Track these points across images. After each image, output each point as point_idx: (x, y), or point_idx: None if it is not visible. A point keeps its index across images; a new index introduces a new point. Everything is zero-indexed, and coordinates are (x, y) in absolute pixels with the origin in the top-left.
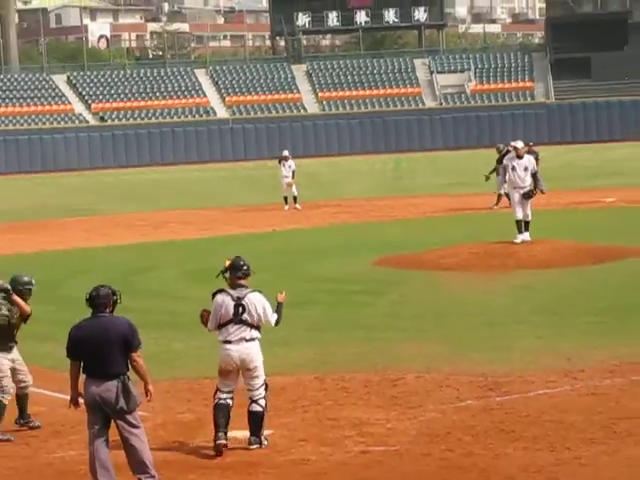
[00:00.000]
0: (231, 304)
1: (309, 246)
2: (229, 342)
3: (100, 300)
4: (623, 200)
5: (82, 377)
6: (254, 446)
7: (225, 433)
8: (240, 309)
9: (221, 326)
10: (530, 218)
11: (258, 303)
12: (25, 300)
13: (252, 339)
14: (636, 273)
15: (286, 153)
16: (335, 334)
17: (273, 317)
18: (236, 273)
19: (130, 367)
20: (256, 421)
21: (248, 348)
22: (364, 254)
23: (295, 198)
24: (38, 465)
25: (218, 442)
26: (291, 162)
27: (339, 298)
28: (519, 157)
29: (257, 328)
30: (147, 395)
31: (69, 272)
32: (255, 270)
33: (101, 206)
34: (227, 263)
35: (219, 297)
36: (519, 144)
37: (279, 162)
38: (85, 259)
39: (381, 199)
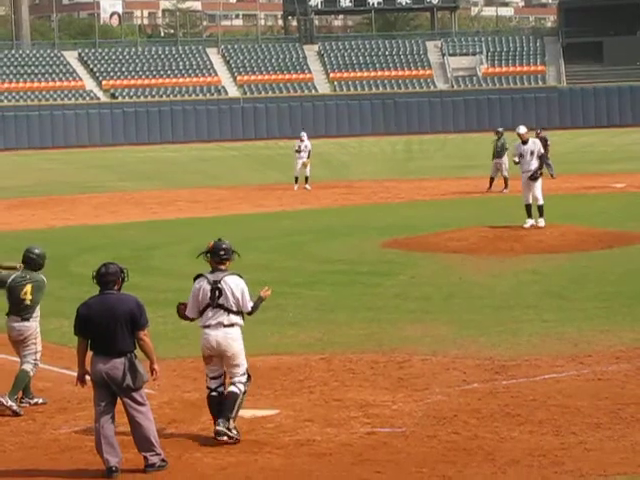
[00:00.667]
0: (207, 288)
1: (318, 227)
2: (208, 327)
3: (108, 277)
4: (633, 185)
5: (89, 354)
6: (222, 436)
7: (225, 419)
8: (217, 293)
9: (201, 312)
10: (541, 202)
11: (235, 287)
12: (37, 270)
13: (231, 324)
14: None
15: (303, 133)
16: (343, 315)
17: (249, 304)
18: (214, 257)
19: (137, 345)
20: (229, 402)
21: (226, 334)
22: (373, 235)
23: (307, 178)
24: (44, 441)
25: (217, 428)
26: (308, 142)
27: (347, 279)
28: (524, 142)
29: (237, 313)
30: (153, 374)
31: (78, 249)
32: (264, 250)
33: (111, 183)
34: (210, 244)
35: (197, 282)
36: (522, 129)
37: (301, 141)
38: (94, 236)
39: (391, 181)
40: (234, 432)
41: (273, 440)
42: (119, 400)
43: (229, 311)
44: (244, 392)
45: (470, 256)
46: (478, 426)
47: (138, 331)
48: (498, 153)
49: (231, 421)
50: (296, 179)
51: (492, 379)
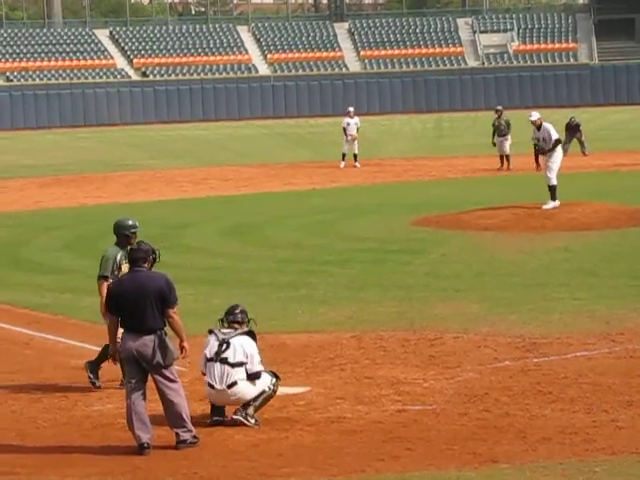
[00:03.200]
0: (215, 344)
1: (348, 205)
2: (212, 387)
3: (139, 254)
4: None
5: (120, 332)
6: (237, 416)
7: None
8: (223, 347)
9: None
10: (551, 183)
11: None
12: (131, 244)
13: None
14: None
15: (351, 109)
16: (374, 293)
17: (258, 366)
18: (228, 317)
19: (166, 323)
20: (258, 395)
21: (234, 394)
22: (403, 213)
23: (355, 156)
24: (76, 417)
25: (234, 416)
26: (356, 118)
27: (378, 257)
28: (537, 128)
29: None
30: (182, 352)
31: (109, 227)
32: (294, 228)
33: (142, 161)
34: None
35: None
36: (533, 117)
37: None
38: (125, 214)
39: (421, 159)
40: (252, 421)
41: (304, 417)
42: (150, 377)
43: (233, 365)
44: (273, 391)
45: (501, 234)
46: (509, 404)
47: (167, 309)
48: (502, 131)
49: (251, 409)
50: (343, 156)
51: (523, 357)
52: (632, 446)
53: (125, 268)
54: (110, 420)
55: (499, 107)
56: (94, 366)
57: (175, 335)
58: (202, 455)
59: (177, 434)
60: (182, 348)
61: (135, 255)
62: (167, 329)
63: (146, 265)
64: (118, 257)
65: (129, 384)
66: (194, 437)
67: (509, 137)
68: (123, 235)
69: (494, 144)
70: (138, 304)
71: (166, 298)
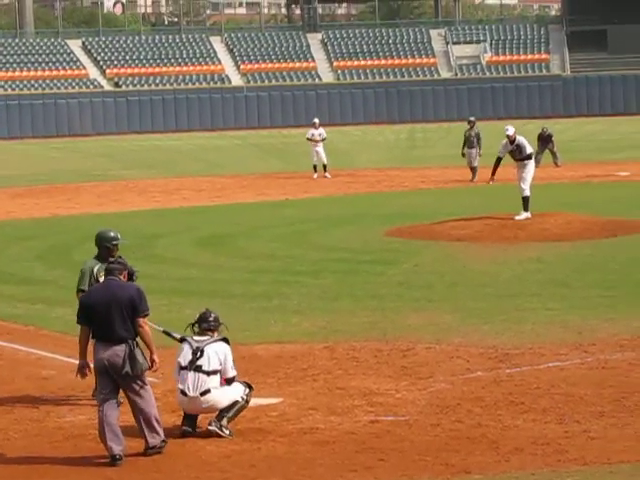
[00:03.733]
0: (189, 351)
1: (322, 215)
2: (184, 394)
3: (116, 266)
4: (637, 174)
5: (91, 343)
6: (211, 427)
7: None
8: (197, 355)
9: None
10: (524, 194)
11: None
12: (113, 256)
13: (207, 390)
14: None
15: (316, 121)
16: (347, 303)
17: (232, 371)
18: (202, 325)
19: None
20: (231, 405)
21: (206, 402)
22: (376, 224)
23: (325, 166)
24: (48, 429)
25: (209, 427)
26: (321, 130)
27: (351, 267)
28: (511, 142)
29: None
30: (152, 365)
31: (81, 237)
32: (268, 238)
33: (114, 172)
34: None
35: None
36: (510, 131)
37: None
38: (97, 224)
39: (394, 169)
40: (226, 432)
41: (277, 428)
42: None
43: (208, 373)
44: (246, 401)
45: (474, 244)
46: (482, 414)
47: (137, 318)
48: (472, 143)
49: (224, 420)
50: (315, 167)
51: (496, 367)
52: (604, 457)
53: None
54: (82, 431)
55: (472, 118)
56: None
57: (145, 347)
58: (174, 466)
59: (146, 440)
60: (152, 361)
61: (112, 266)
62: (138, 340)
63: (121, 277)
64: (95, 269)
65: (101, 395)
66: (162, 442)
67: (478, 149)
68: (104, 247)
69: (463, 155)
70: (109, 313)
71: (136, 307)
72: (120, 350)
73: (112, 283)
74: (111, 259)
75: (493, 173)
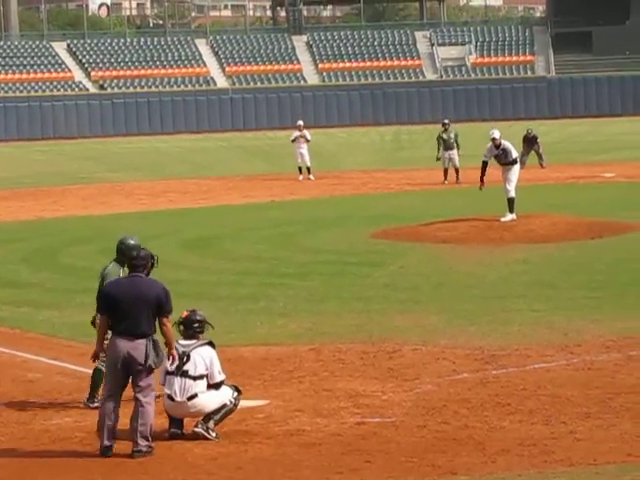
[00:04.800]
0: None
1: (308, 217)
2: (171, 399)
3: (139, 262)
4: (622, 175)
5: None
6: (198, 429)
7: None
8: (184, 359)
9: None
10: (509, 195)
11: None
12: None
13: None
14: (634, 248)
15: (300, 123)
16: (333, 305)
17: (219, 376)
18: (188, 330)
19: (159, 330)
20: (219, 408)
21: (193, 406)
22: (362, 226)
23: (309, 169)
24: (34, 432)
25: (195, 429)
26: (306, 132)
27: (337, 269)
28: (496, 147)
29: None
30: (169, 358)
31: (67, 240)
32: (254, 240)
33: (100, 174)
34: (184, 315)
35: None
36: (496, 134)
37: (299, 130)
38: (83, 227)
39: (380, 171)
40: (212, 434)
41: (263, 430)
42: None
43: (194, 378)
44: (235, 405)
45: (460, 246)
46: (468, 416)
47: (162, 317)
48: (450, 145)
49: (211, 422)
50: (300, 169)
51: (482, 369)
52: (590, 457)
53: None
54: (68, 434)
55: (446, 120)
56: (92, 397)
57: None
58: (161, 468)
59: (136, 443)
60: (171, 355)
61: (135, 262)
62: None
63: (145, 272)
64: (121, 274)
65: (108, 391)
66: (149, 447)
67: (455, 151)
68: (128, 256)
69: (438, 158)
70: (135, 308)
71: (163, 306)
72: (141, 344)
73: (139, 280)
74: (134, 252)
75: (482, 178)
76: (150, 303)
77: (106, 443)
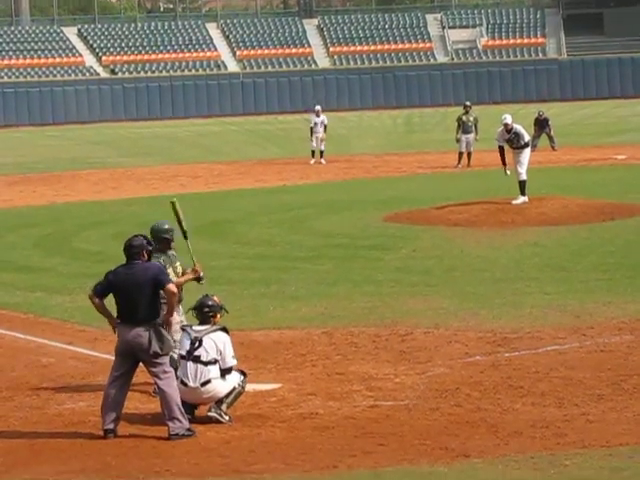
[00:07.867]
0: (187, 342)
1: (319, 201)
2: (185, 384)
3: (132, 250)
4: (634, 157)
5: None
6: (211, 413)
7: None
8: (196, 344)
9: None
10: (521, 178)
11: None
12: (171, 247)
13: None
14: None
15: (318, 107)
16: (345, 289)
17: (232, 360)
18: (199, 314)
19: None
20: (229, 392)
21: (207, 392)
22: (374, 209)
23: (322, 153)
24: (48, 416)
25: (209, 413)
26: (323, 117)
27: (349, 253)
28: (508, 131)
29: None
30: (165, 325)
31: (79, 225)
32: (266, 224)
33: (111, 159)
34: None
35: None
36: (508, 119)
37: (316, 115)
38: (95, 212)
39: (392, 154)
40: (226, 417)
41: (276, 414)
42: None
43: (206, 364)
44: (243, 387)
45: (471, 229)
46: (480, 398)
47: (164, 288)
48: (468, 128)
49: (224, 405)
50: (313, 153)
51: (494, 351)
52: (602, 439)
53: (171, 271)
54: (81, 418)
55: (467, 102)
56: None
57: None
58: (174, 452)
59: (169, 427)
60: (166, 323)
61: (129, 251)
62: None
63: (142, 259)
64: (161, 261)
65: (113, 375)
66: (188, 430)
67: (475, 134)
68: (163, 239)
69: (457, 140)
70: (132, 294)
71: (160, 281)
72: (143, 331)
73: (134, 266)
74: (127, 241)
75: (503, 161)
76: (147, 287)
77: (106, 427)
